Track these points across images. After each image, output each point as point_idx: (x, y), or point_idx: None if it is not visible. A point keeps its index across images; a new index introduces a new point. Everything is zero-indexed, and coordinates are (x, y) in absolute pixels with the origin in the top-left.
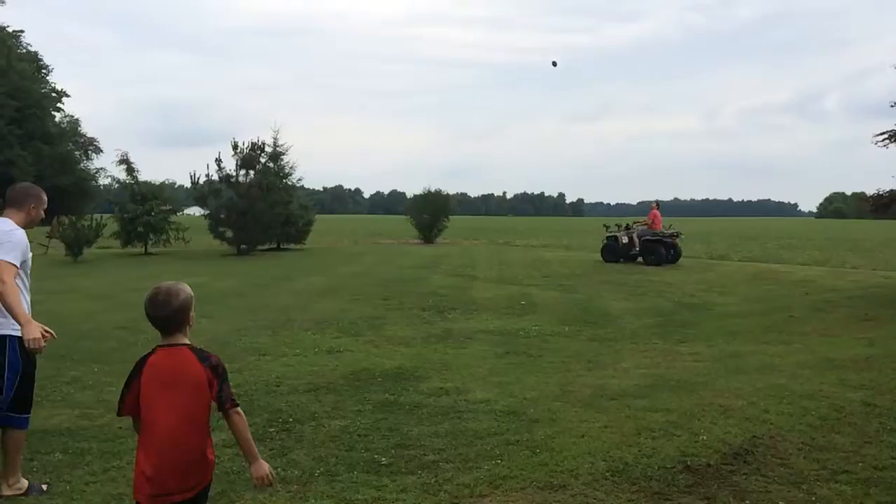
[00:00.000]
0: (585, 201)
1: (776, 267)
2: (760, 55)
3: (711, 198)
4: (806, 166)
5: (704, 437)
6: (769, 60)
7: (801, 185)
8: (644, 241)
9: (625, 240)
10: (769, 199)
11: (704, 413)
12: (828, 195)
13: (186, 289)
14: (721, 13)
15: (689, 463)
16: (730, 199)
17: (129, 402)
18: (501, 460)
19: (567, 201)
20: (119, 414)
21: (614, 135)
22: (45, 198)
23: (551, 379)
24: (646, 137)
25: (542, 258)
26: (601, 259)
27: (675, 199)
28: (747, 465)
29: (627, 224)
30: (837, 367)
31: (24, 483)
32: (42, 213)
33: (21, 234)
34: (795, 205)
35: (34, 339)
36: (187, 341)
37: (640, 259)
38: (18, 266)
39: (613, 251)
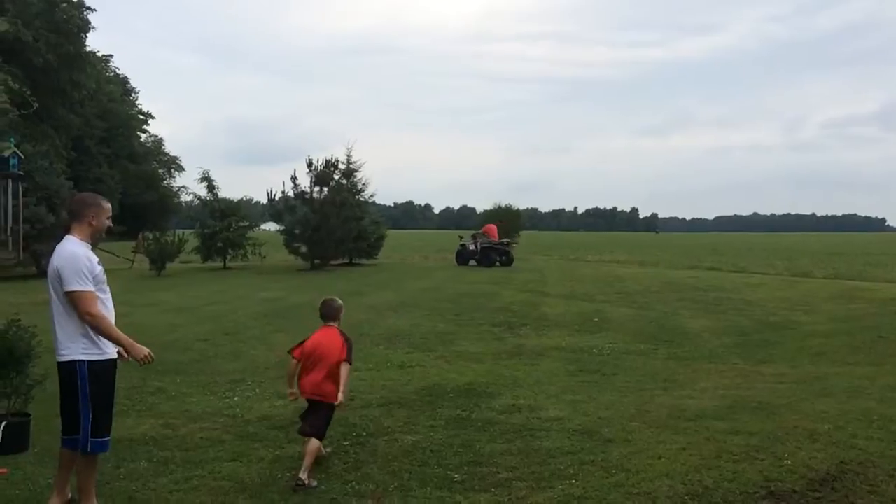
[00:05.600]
0: (660, 216)
1: (864, 284)
2: (844, 65)
3: (793, 213)
4: (894, 180)
5: (789, 462)
6: (853, 70)
7: (890, 198)
8: (482, 248)
9: (471, 247)
10: (855, 214)
11: (788, 437)
12: None
13: (340, 302)
14: (801, 23)
15: (772, 488)
16: (813, 214)
17: (297, 354)
18: (576, 480)
19: (640, 216)
20: (291, 354)
21: (689, 149)
22: (107, 205)
23: (626, 398)
24: (722, 151)
25: (614, 274)
26: (455, 263)
27: (755, 214)
28: (835, 492)
29: (474, 235)
30: None
31: None
32: (105, 221)
33: (76, 252)
34: (883, 219)
35: (145, 356)
36: (336, 325)
37: (472, 262)
38: (93, 288)
39: (463, 256)
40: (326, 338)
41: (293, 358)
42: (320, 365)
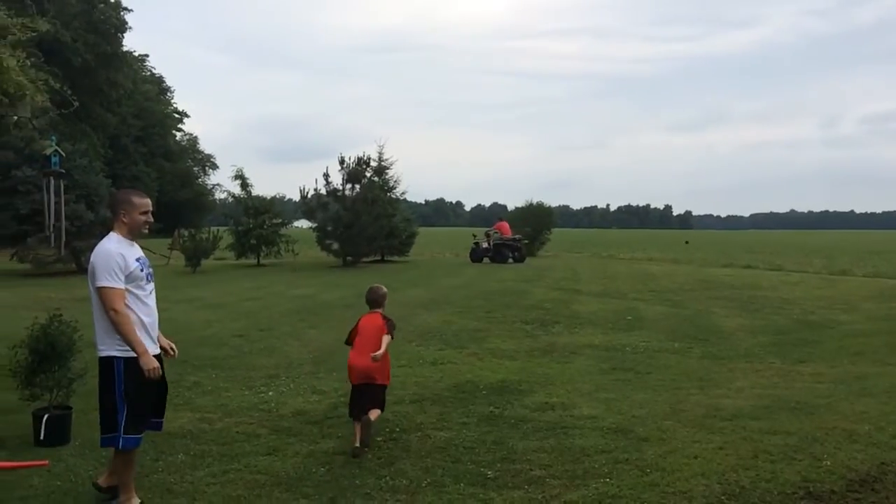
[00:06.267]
0: (694, 213)
1: None
2: (884, 59)
3: (831, 210)
4: None
5: (828, 463)
6: (894, 65)
7: None
8: (495, 245)
9: (484, 245)
10: None
11: (827, 437)
12: None
13: (385, 290)
14: (841, 16)
15: (811, 489)
16: (851, 211)
17: (352, 336)
18: (610, 479)
19: (674, 213)
20: (347, 342)
21: (724, 145)
22: (139, 200)
23: (660, 397)
24: (759, 147)
25: (648, 272)
26: (469, 260)
27: (792, 211)
28: (875, 494)
29: (487, 233)
30: None
31: (136, 501)
32: (139, 217)
33: (108, 249)
34: None
35: (151, 369)
36: (381, 311)
37: (485, 259)
38: (123, 286)
39: (477, 253)
40: (369, 323)
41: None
42: (367, 347)
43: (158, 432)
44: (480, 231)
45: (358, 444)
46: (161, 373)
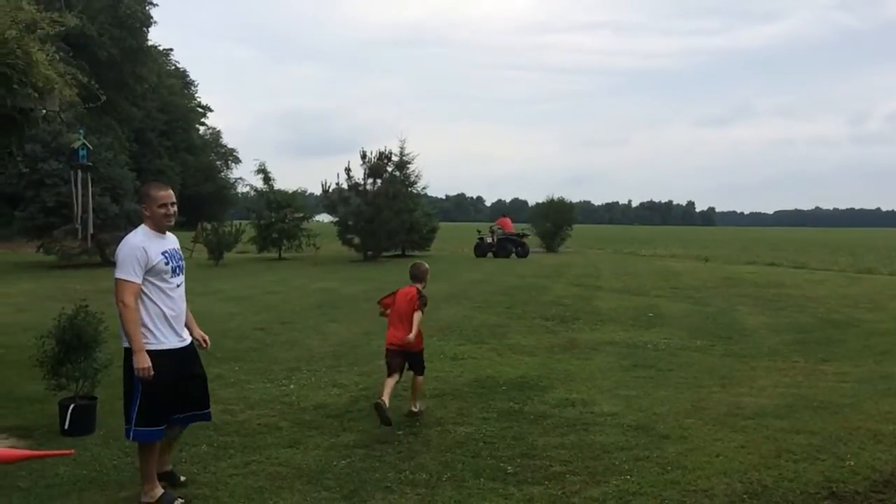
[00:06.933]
0: (717, 210)
1: None
2: None
3: (857, 207)
4: None
5: (852, 463)
6: None
7: None
8: (498, 240)
9: (488, 240)
10: None
11: (851, 437)
12: None
13: (427, 266)
14: (868, 10)
15: (834, 489)
16: (878, 209)
17: (386, 303)
18: (630, 476)
19: (697, 210)
20: (380, 304)
21: (748, 141)
22: (157, 193)
23: (682, 394)
24: (784, 143)
25: (670, 269)
26: (473, 255)
27: (817, 209)
28: None
29: (491, 228)
30: None
31: (159, 491)
32: (158, 210)
33: (132, 242)
34: None
35: (141, 368)
36: (419, 286)
37: (490, 254)
38: (139, 280)
39: (481, 248)
40: (405, 295)
41: (379, 305)
42: (402, 318)
43: (207, 422)
44: (485, 227)
45: (384, 399)
46: (151, 373)
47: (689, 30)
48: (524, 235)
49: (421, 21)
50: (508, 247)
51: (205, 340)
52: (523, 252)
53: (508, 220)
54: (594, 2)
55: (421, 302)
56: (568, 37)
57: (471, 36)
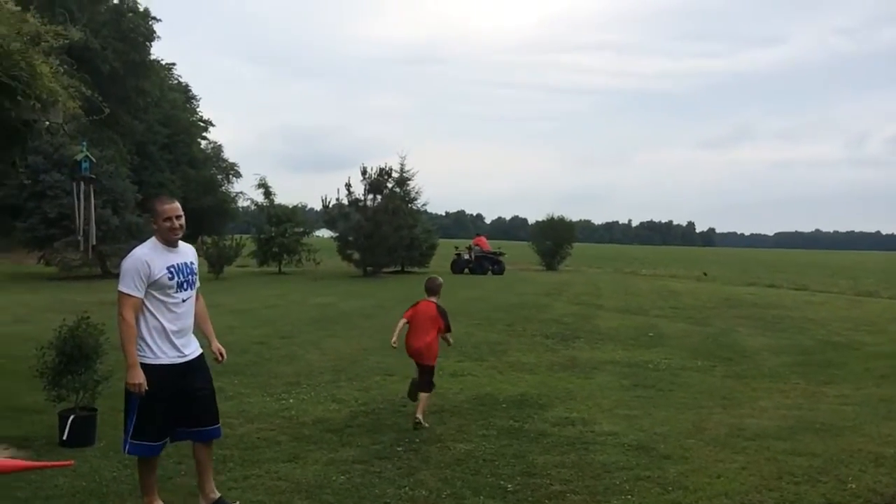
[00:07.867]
0: (717, 231)
1: None
2: None
3: (857, 230)
4: None
5: (853, 486)
6: None
7: None
8: (476, 257)
9: (466, 256)
10: None
11: (853, 459)
12: None
13: (441, 280)
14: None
15: None
16: (878, 232)
17: (408, 315)
18: (631, 496)
19: (697, 230)
20: (404, 317)
21: (749, 162)
22: (162, 207)
23: (683, 415)
24: (784, 165)
25: (670, 288)
26: (450, 272)
27: (817, 231)
28: None
29: (469, 246)
30: None
31: None
32: (163, 224)
33: (135, 256)
34: None
35: (132, 384)
36: (436, 300)
37: (466, 270)
38: (140, 294)
39: (459, 264)
40: (425, 311)
41: (403, 318)
42: (418, 332)
43: (216, 438)
44: (463, 244)
45: (415, 420)
46: (144, 388)
47: (691, 52)
48: (501, 254)
49: (423, 40)
50: (485, 264)
51: (221, 354)
52: (499, 269)
53: (484, 239)
54: (597, 23)
55: (446, 324)
56: (570, 57)
57: (473, 55)
